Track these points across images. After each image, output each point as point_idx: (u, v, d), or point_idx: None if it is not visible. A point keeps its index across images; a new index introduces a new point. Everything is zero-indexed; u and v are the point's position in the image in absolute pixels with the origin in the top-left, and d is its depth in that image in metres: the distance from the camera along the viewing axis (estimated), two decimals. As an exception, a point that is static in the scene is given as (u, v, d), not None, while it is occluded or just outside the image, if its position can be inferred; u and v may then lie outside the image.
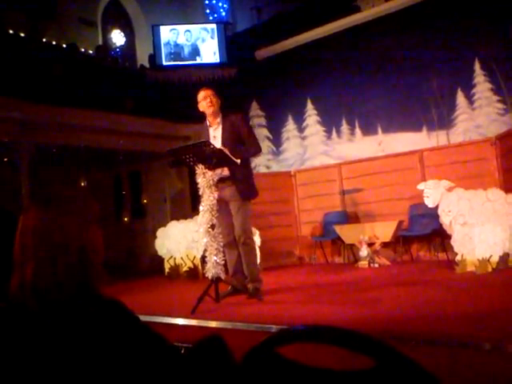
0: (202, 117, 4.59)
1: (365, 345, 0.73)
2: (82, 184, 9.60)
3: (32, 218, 1.12)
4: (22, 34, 7.77)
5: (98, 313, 1.04)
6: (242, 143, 4.31)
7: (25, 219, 1.13)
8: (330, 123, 8.19)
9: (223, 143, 4.25)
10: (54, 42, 8.29)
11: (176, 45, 9.29)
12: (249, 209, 4.35)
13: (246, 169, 4.34)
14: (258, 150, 4.44)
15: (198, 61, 9.31)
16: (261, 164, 8.84)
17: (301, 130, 8.57)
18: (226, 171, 4.24)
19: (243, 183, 4.29)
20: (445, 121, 7.02)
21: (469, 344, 2.32)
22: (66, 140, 7.43)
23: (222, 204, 4.27)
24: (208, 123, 4.44)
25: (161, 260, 7.23)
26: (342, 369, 0.84)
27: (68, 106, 7.20)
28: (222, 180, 4.24)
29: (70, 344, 1.00)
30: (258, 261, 4.88)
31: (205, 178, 4.04)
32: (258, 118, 9.02)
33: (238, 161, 4.08)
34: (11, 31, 7.59)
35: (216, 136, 4.36)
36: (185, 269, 6.78)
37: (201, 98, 4.37)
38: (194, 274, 6.63)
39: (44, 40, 8.18)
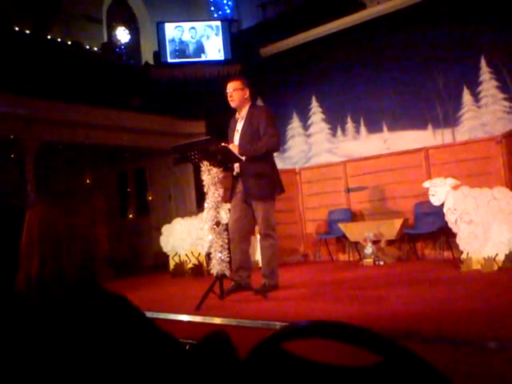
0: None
1: (371, 341, 0.73)
2: (88, 181, 9.63)
3: (38, 214, 1.12)
4: (28, 31, 7.79)
5: (104, 308, 1.05)
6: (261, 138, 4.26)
7: (31, 215, 1.13)
8: (335, 121, 8.17)
9: (241, 137, 4.24)
10: (59, 39, 8.31)
11: (181, 42, 9.29)
12: (267, 205, 4.26)
13: (261, 166, 4.22)
14: (272, 147, 4.26)
15: (203, 58, 9.30)
16: (265, 161, 8.83)
17: (306, 127, 8.55)
18: (237, 168, 4.24)
19: (255, 181, 4.21)
20: (450, 119, 6.99)
21: (474, 342, 2.31)
22: (71, 136, 7.45)
23: (237, 198, 4.29)
24: (236, 115, 4.44)
25: (165, 257, 7.25)
26: (346, 365, 0.83)
27: (73, 102, 7.22)
28: (238, 175, 4.26)
29: (75, 338, 1.00)
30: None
31: (210, 175, 4.03)
32: (262, 115, 8.99)
33: (243, 158, 4.07)
34: (17, 28, 7.62)
35: (238, 129, 4.35)
36: (189, 265, 6.79)
37: (226, 91, 4.37)
38: (199, 270, 6.64)
39: (49, 37, 8.20)
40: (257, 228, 5.03)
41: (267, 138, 4.22)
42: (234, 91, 4.29)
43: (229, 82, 4.36)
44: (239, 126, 4.37)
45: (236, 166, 4.25)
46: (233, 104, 4.33)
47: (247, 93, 4.34)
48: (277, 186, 4.35)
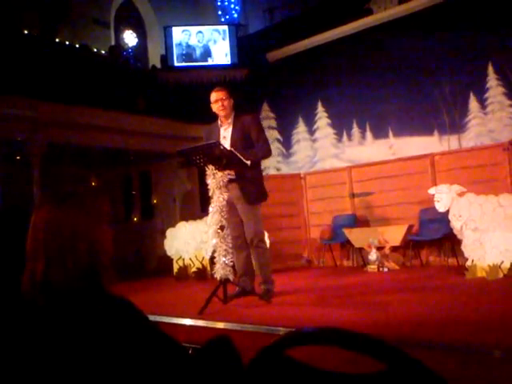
0: (212, 118, 4.59)
1: (375, 348, 0.73)
2: (93, 183, 9.66)
3: (44, 216, 1.13)
4: (36, 34, 7.84)
5: (107, 311, 1.05)
6: (252, 145, 4.30)
7: (37, 216, 1.14)
8: (340, 126, 8.17)
9: (232, 144, 4.24)
10: (67, 42, 8.36)
11: (188, 46, 9.33)
12: (258, 211, 4.32)
13: (254, 171, 4.28)
14: (267, 153, 4.37)
15: (210, 62, 9.33)
16: (270, 166, 8.83)
17: (311, 132, 8.55)
18: (232, 173, 4.22)
19: (251, 186, 4.25)
20: (457, 125, 6.97)
21: (478, 350, 2.30)
22: (77, 139, 7.48)
23: (230, 205, 4.26)
24: (219, 123, 4.44)
25: (169, 260, 7.25)
26: (349, 372, 0.83)
27: (80, 105, 7.25)
28: (229, 181, 4.24)
29: (79, 341, 1.00)
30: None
31: (215, 178, 4.03)
32: (268, 119, 9.01)
33: (249, 162, 4.07)
34: (25, 31, 7.67)
35: (226, 136, 4.36)
36: (193, 269, 6.79)
37: (212, 101, 4.35)
38: (203, 274, 6.64)
39: (57, 40, 8.25)
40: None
41: (261, 144, 4.29)
42: (225, 100, 4.31)
43: (215, 92, 4.35)
44: (227, 133, 4.37)
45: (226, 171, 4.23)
46: (223, 112, 4.33)
47: (232, 100, 4.39)
48: (261, 193, 4.38)
